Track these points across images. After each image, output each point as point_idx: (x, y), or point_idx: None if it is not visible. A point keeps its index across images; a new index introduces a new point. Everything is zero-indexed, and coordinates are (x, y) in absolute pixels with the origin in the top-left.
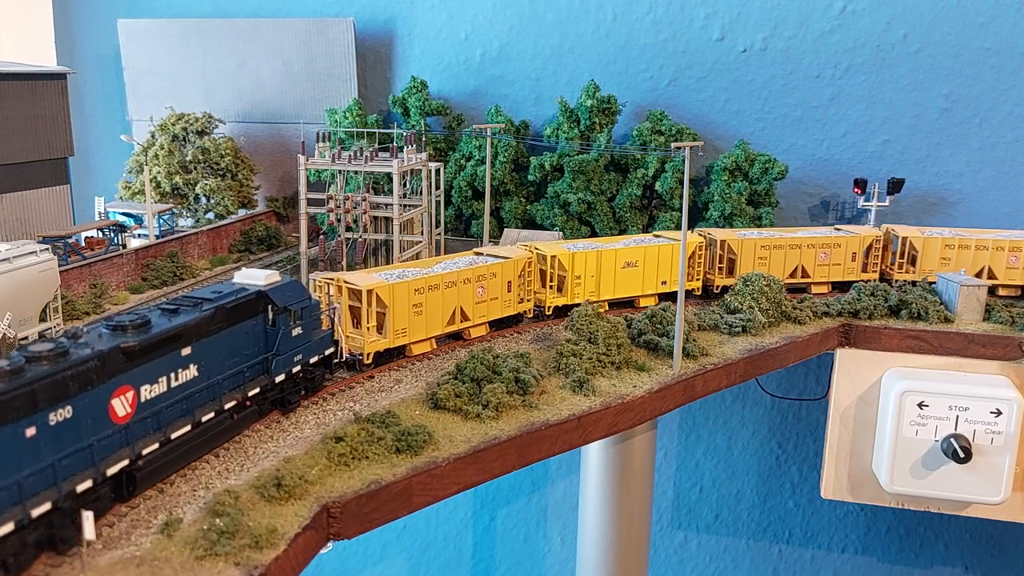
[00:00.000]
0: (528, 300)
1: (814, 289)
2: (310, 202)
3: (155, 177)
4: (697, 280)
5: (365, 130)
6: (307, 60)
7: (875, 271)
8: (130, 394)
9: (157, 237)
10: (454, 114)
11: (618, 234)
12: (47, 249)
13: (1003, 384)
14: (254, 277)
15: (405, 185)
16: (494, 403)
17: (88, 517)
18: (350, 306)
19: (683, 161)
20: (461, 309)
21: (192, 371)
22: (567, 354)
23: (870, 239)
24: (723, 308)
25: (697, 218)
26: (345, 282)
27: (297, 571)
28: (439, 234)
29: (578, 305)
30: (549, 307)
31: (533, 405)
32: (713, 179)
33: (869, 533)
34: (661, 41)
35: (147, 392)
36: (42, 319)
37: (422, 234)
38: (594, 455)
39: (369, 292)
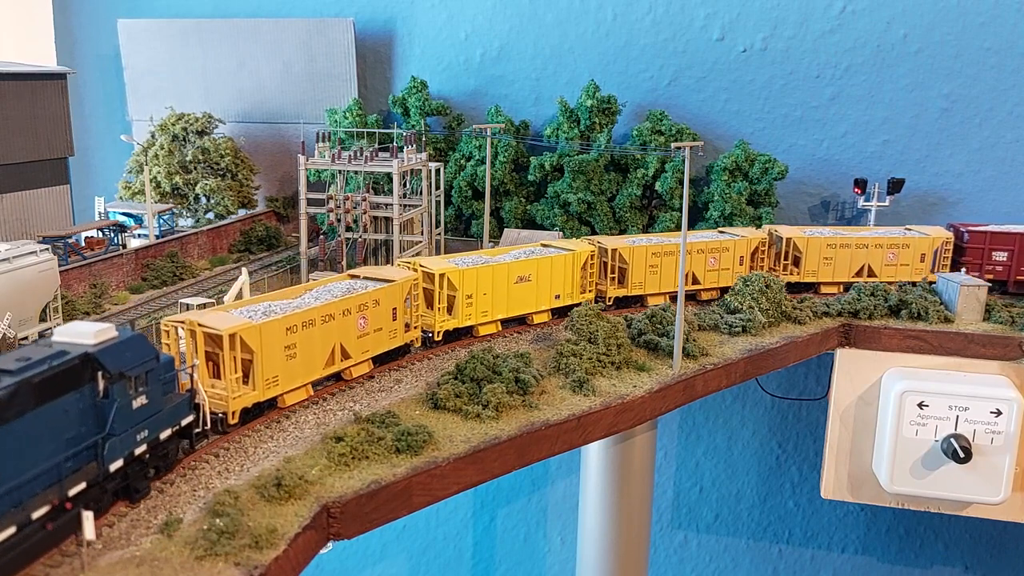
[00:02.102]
0: (416, 327)
1: (703, 296)
2: (310, 202)
3: (155, 177)
4: (590, 292)
5: (365, 130)
6: (307, 60)
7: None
8: None
9: (157, 237)
10: (454, 114)
11: (618, 234)
12: (47, 249)
13: (1003, 384)
14: (80, 334)
15: (405, 185)
16: (494, 403)
17: (88, 517)
18: (207, 352)
19: (683, 161)
20: (341, 346)
21: None
22: (567, 354)
23: (756, 241)
24: (723, 308)
25: (697, 218)
26: (200, 325)
27: (297, 571)
28: (439, 234)
29: (470, 328)
30: (438, 332)
31: (533, 405)
32: (713, 179)
33: (869, 533)
34: (661, 41)
35: None
36: (42, 319)
37: (422, 234)
38: (594, 455)
39: (232, 336)
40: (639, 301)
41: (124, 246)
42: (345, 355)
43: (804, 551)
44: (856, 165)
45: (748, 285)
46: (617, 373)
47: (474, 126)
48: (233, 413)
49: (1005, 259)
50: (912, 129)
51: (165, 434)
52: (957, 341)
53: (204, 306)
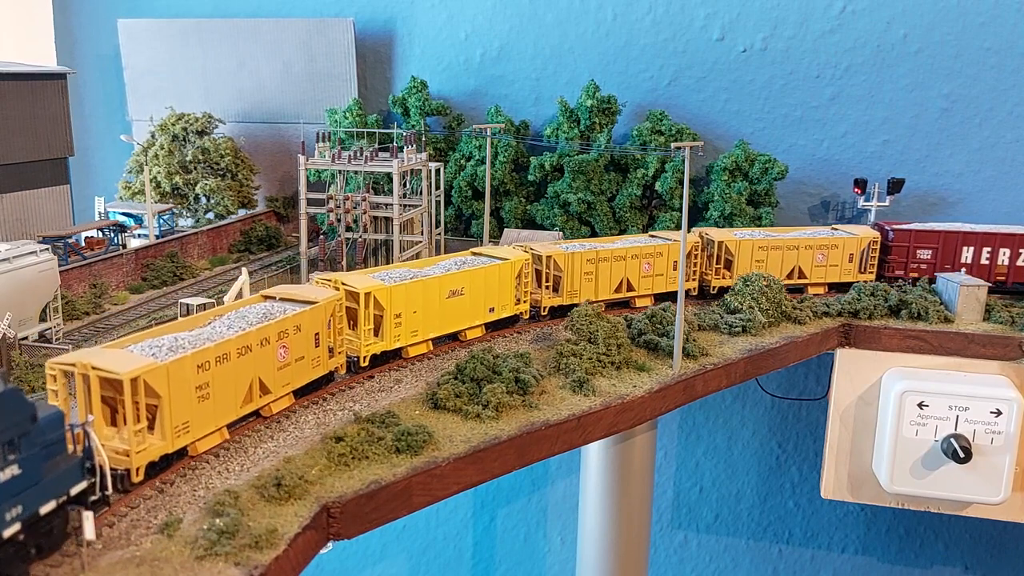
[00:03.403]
0: (340, 352)
1: (638, 303)
2: (310, 202)
3: (155, 177)
4: (525, 302)
5: (365, 130)
6: (307, 60)
7: (695, 279)
8: None
9: (157, 237)
10: (454, 114)
11: (618, 234)
12: (47, 249)
13: (1003, 384)
14: None
15: (405, 185)
16: (494, 403)
17: (88, 517)
18: (105, 398)
19: (683, 161)
20: (260, 380)
21: None
22: (567, 354)
23: (689, 246)
24: (723, 308)
25: (697, 218)
26: (95, 368)
27: (297, 571)
28: (439, 234)
29: (398, 351)
30: (364, 357)
31: (533, 405)
32: (713, 179)
33: (869, 533)
34: (661, 41)
35: None
36: (42, 319)
37: (422, 234)
38: (594, 455)
39: (134, 381)
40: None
41: (124, 246)
42: (264, 390)
43: (804, 551)
44: (856, 165)
45: (748, 285)
46: (617, 373)
47: (474, 126)
48: (138, 469)
49: (929, 256)
50: (912, 129)
51: (48, 507)
52: (957, 341)
53: (204, 306)
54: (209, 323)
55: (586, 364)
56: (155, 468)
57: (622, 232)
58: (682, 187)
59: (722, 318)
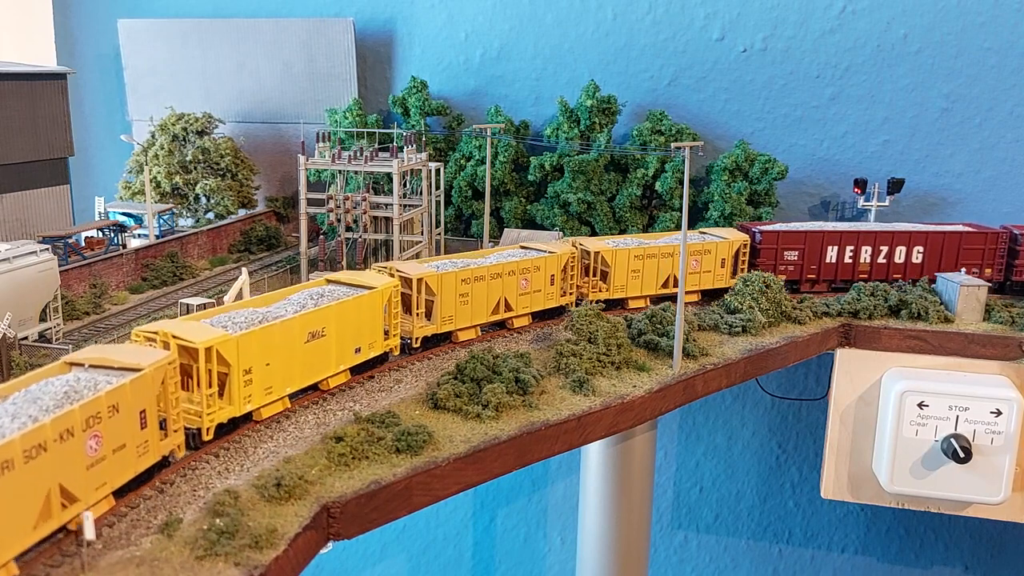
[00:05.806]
0: (176, 429)
1: (516, 323)
2: (310, 202)
3: (155, 177)
4: (395, 336)
5: (365, 130)
6: (307, 60)
7: (572, 293)
8: None
9: (157, 237)
10: (454, 114)
11: (618, 234)
12: (47, 249)
13: (1003, 384)
14: None
15: (405, 185)
16: (494, 403)
17: (88, 517)
18: None
19: (683, 161)
20: (62, 488)
21: None
22: (567, 354)
23: (566, 257)
24: (723, 308)
25: (697, 218)
26: None
27: (297, 571)
28: (439, 234)
29: (248, 415)
30: (207, 429)
31: (533, 405)
32: (713, 179)
33: (869, 533)
34: (661, 41)
35: None
36: (42, 319)
37: (422, 234)
38: (594, 455)
39: None
40: (447, 338)
41: (124, 246)
42: (69, 499)
43: (804, 551)
44: (856, 165)
45: (748, 285)
46: (617, 373)
47: (474, 126)
48: None
49: (796, 258)
50: (912, 129)
51: None
52: (957, 341)
53: (204, 306)
54: None
55: (586, 364)
56: None
57: (622, 232)
58: (682, 187)
59: (722, 318)
